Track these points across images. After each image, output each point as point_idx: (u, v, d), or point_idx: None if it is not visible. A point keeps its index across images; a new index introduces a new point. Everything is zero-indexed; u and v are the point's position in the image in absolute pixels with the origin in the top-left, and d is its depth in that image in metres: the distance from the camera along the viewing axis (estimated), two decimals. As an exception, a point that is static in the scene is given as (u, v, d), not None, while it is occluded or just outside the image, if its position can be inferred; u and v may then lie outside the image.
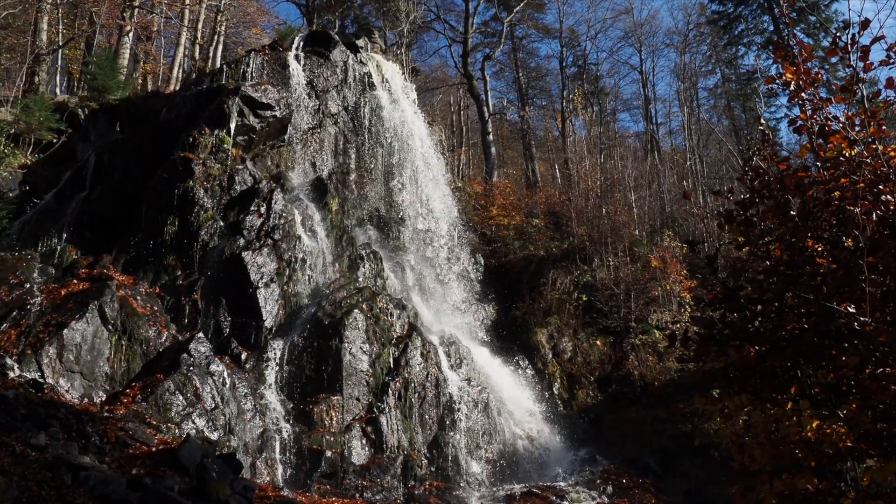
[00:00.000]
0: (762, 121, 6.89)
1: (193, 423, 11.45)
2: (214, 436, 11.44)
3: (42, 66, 22.59)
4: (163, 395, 11.51)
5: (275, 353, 14.00)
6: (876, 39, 5.19)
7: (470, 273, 21.05)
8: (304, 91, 20.23)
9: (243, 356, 13.86)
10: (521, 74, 39.88)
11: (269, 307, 14.75)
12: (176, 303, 14.57)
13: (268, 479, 11.82)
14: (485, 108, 33.28)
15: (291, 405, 13.39)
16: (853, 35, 5.18)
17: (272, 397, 13.34)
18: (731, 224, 5.75)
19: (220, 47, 29.93)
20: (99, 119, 20.40)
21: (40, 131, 18.47)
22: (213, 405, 11.97)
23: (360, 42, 23.54)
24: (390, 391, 13.90)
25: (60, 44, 24.57)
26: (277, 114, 18.52)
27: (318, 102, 20.53)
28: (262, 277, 14.99)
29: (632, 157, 33.02)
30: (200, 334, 13.23)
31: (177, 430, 11.00)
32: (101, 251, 15.54)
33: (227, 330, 14.40)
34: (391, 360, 14.55)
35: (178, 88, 25.02)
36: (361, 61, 22.67)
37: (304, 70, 20.71)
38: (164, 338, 13.35)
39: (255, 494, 9.22)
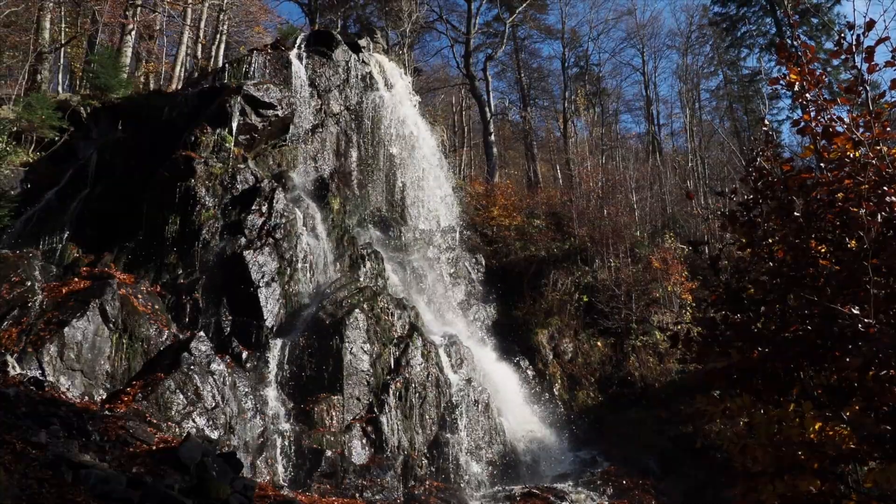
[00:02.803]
0: (765, 122, 6.88)
1: (194, 421, 11.45)
2: (215, 435, 11.44)
3: (44, 64, 22.63)
4: (163, 394, 11.51)
5: (275, 353, 13.99)
6: (881, 40, 5.17)
7: (471, 273, 21.03)
8: (307, 90, 20.22)
9: (244, 355, 13.85)
10: (522, 75, 39.91)
11: (270, 306, 14.74)
12: (177, 301, 14.57)
13: (268, 478, 11.81)
14: (486, 109, 33.30)
15: (292, 404, 13.38)
16: (857, 36, 5.16)
17: (273, 396, 13.33)
18: (734, 225, 5.74)
19: (223, 46, 29.99)
20: (101, 117, 20.40)
21: (42, 129, 18.48)
22: (214, 404, 11.97)
23: (363, 42, 23.55)
24: (391, 391, 13.89)
25: (63, 42, 24.58)
26: (279, 113, 18.53)
27: (320, 102, 20.53)
28: (263, 276, 14.99)
29: (633, 159, 33.02)
30: (201, 333, 13.24)
31: (177, 429, 11.00)
32: (103, 249, 15.54)
33: (228, 329, 14.39)
34: (392, 360, 14.54)
35: (180, 87, 25.05)
36: (363, 61, 22.67)
37: (306, 69, 20.72)
38: (165, 336, 13.34)
39: (255, 493, 9.21)
